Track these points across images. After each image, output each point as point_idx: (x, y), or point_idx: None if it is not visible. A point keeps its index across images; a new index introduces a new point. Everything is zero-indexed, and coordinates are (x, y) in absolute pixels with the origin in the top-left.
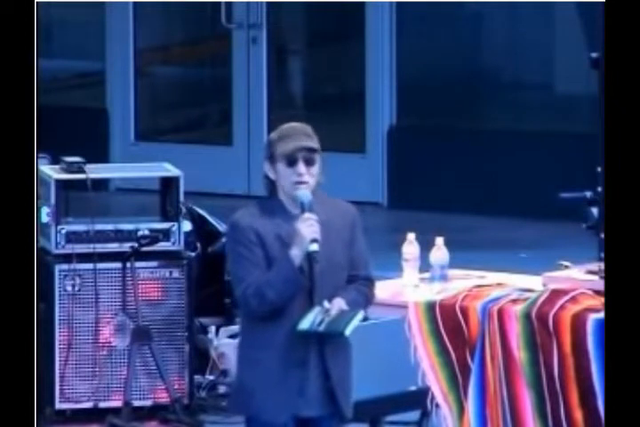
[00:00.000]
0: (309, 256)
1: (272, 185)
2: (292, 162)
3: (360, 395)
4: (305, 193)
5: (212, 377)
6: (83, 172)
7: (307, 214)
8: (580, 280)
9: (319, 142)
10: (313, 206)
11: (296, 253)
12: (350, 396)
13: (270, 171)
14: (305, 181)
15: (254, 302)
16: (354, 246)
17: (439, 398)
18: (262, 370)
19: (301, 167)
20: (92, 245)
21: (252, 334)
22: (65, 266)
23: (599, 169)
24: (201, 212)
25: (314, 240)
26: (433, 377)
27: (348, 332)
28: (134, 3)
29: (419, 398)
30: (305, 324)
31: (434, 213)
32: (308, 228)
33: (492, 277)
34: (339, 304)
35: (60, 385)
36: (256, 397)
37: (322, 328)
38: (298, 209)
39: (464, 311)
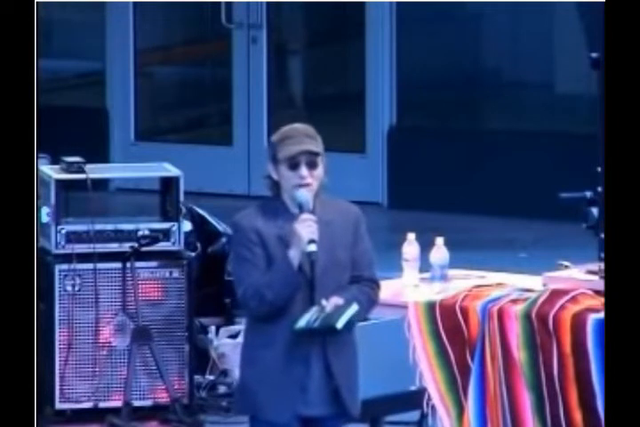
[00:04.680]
0: (309, 257)
1: (275, 186)
2: (294, 165)
3: (360, 395)
4: (303, 193)
5: (212, 377)
6: (83, 172)
7: (305, 215)
8: (580, 280)
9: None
10: (312, 207)
11: (294, 254)
12: (357, 395)
13: (273, 172)
14: (307, 183)
15: (253, 303)
16: (357, 247)
17: (436, 400)
18: (265, 369)
19: (304, 170)
20: (92, 245)
21: (255, 333)
22: (65, 266)
23: (599, 169)
24: (201, 212)
25: (311, 241)
26: (431, 378)
27: (339, 325)
28: (134, 3)
29: (419, 398)
30: (301, 322)
31: (434, 213)
32: (306, 228)
33: (492, 277)
34: (334, 301)
35: (60, 385)
36: (258, 396)
37: (316, 324)
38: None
39: (464, 311)
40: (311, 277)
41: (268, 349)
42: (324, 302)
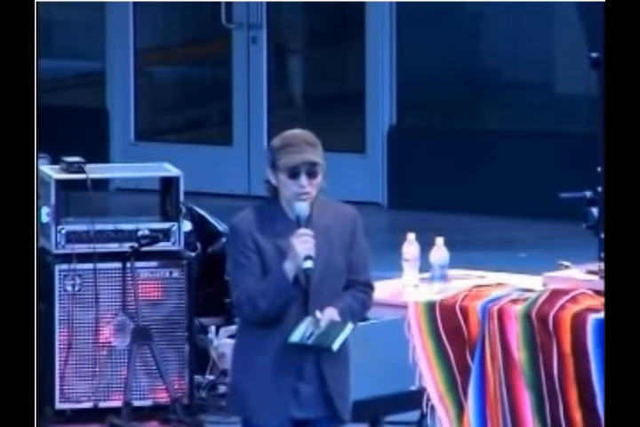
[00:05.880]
0: (304, 272)
1: (274, 190)
2: (294, 175)
3: (360, 395)
4: (302, 207)
5: (212, 377)
6: (83, 172)
7: (302, 230)
8: (580, 280)
9: (321, 145)
10: (309, 221)
11: (289, 267)
12: (348, 399)
13: (272, 177)
14: (307, 192)
15: (247, 310)
16: (353, 249)
17: (435, 400)
18: (257, 374)
19: (303, 180)
20: (92, 245)
21: (248, 337)
22: (65, 266)
23: (599, 169)
24: (201, 212)
25: (308, 257)
26: (430, 378)
27: (335, 347)
28: (134, 3)
29: (419, 398)
30: (296, 336)
31: (434, 213)
32: (303, 244)
33: (491, 277)
34: (329, 315)
35: (60, 385)
36: (250, 400)
37: (311, 342)
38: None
39: (464, 311)
40: (306, 289)
41: (261, 354)
42: (318, 314)
